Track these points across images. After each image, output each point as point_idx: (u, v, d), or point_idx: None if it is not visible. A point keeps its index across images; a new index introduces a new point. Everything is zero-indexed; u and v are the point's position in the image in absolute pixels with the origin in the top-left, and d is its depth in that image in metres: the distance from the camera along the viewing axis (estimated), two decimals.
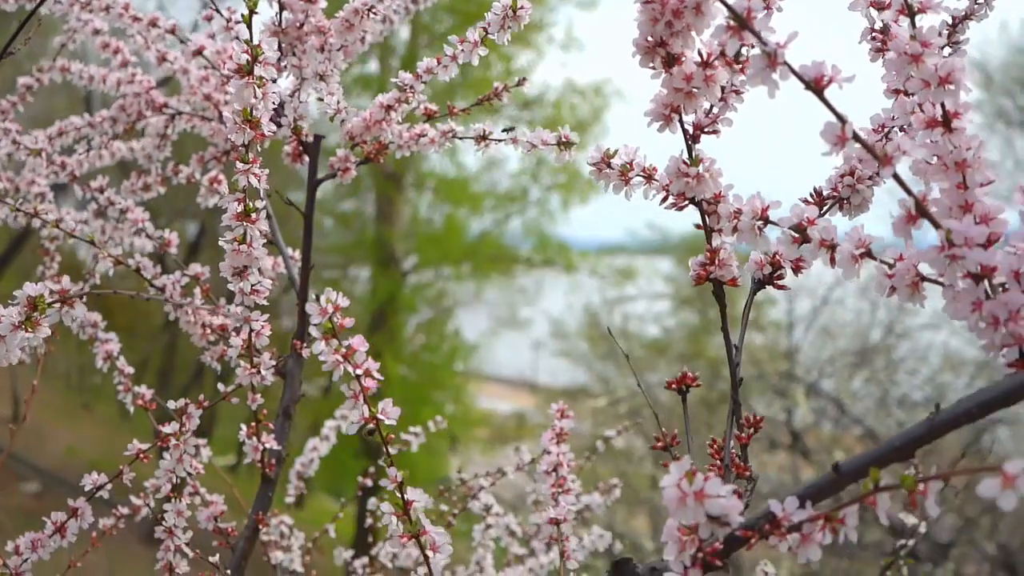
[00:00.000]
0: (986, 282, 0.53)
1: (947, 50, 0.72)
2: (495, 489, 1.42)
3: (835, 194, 0.68)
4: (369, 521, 1.40)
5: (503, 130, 0.86)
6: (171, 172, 1.20)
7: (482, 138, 0.96)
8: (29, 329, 0.67)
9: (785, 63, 0.50)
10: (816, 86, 0.51)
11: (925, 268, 0.55)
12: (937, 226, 0.51)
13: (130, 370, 1.11)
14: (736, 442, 0.63)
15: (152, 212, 1.22)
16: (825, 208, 0.69)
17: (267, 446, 0.98)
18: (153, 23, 1.09)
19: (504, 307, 12.48)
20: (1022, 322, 0.50)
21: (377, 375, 0.63)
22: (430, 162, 12.29)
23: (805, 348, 8.17)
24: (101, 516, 1.15)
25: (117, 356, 1.12)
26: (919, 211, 0.52)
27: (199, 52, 1.07)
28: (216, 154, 1.17)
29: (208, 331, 1.03)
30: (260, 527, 1.00)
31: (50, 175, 1.28)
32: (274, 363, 0.92)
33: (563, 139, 0.86)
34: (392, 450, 1.42)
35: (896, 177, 0.52)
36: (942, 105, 0.54)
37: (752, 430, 0.65)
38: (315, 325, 0.61)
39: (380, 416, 0.63)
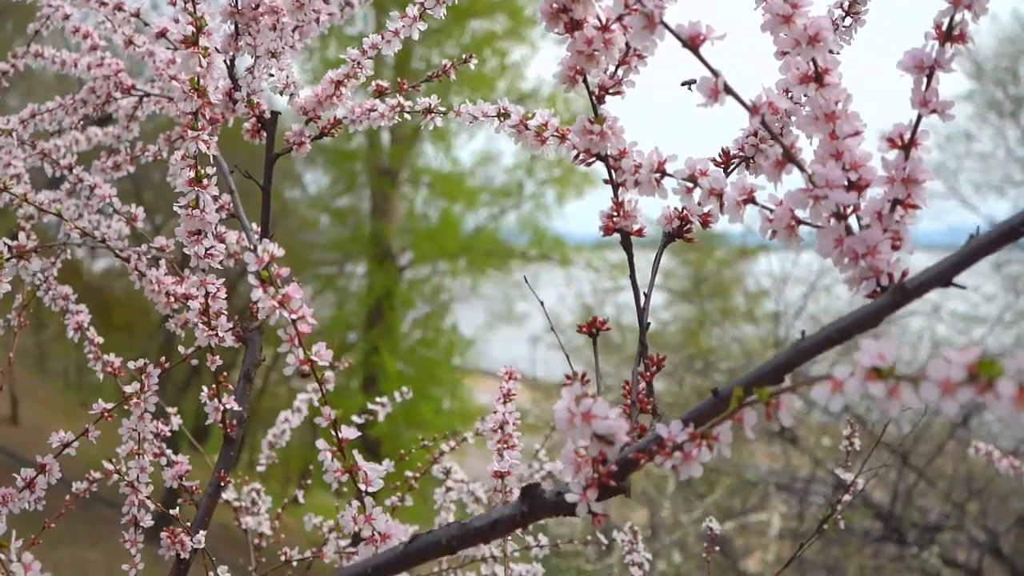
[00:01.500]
0: (855, 221, 0.58)
1: (848, 20, 0.77)
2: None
3: (741, 153, 0.73)
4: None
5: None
6: (139, 151, 1.25)
7: (428, 111, 1.02)
8: None
9: (662, 23, 0.55)
10: (692, 44, 0.56)
11: (801, 213, 0.60)
12: (803, 170, 0.57)
13: (99, 340, 1.16)
14: (642, 380, 0.69)
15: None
16: (732, 166, 0.74)
17: (228, 407, 1.03)
18: (119, 7, 1.14)
19: (500, 302, 12.55)
20: (879, 256, 0.56)
21: (312, 320, 0.68)
22: (425, 158, 12.35)
23: (797, 337, 8.22)
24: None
25: (87, 327, 1.17)
26: (787, 157, 0.57)
27: (162, 34, 1.11)
28: (183, 132, 1.21)
29: (172, 300, 1.08)
30: (223, 485, 1.05)
31: (28, 159, 1.33)
32: (231, 326, 0.97)
33: (502, 111, 0.90)
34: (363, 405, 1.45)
35: (765, 126, 0.57)
36: (813, 61, 0.59)
37: (656, 368, 0.70)
38: (252, 273, 0.66)
39: (314, 358, 0.68)
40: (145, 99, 1.25)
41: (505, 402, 1.01)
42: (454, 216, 12.27)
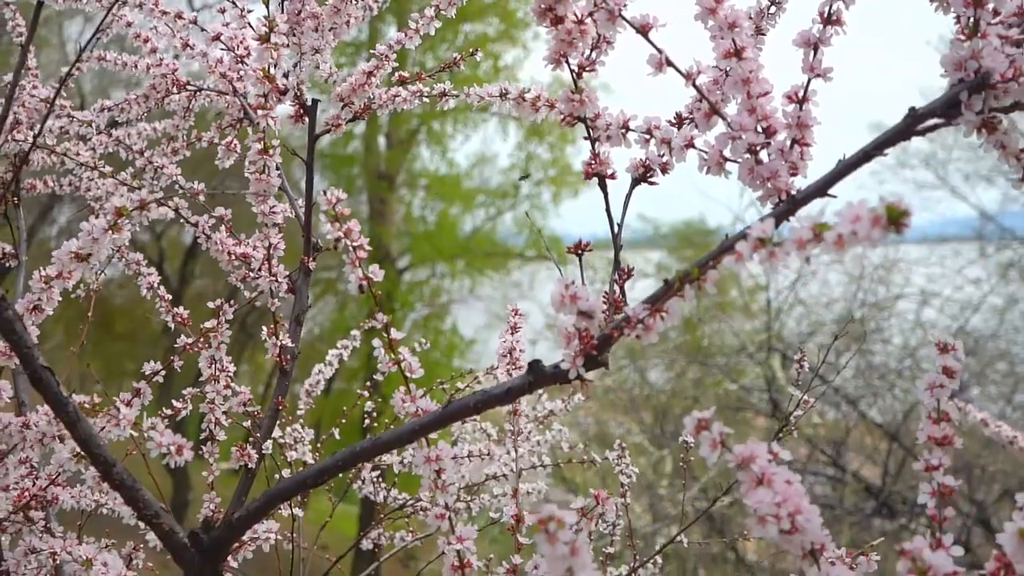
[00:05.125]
0: (765, 155, 0.80)
1: (772, 8, 0.98)
2: None
3: (690, 116, 0.95)
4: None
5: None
6: (195, 138, 1.47)
7: (442, 95, 1.23)
8: (115, 231, 0.94)
9: (621, 16, 0.77)
10: (643, 31, 0.78)
11: (727, 153, 0.82)
12: (724, 119, 0.79)
13: (169, 296, 1.37)
14: (617, 286, 0.90)
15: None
16: (684, 126, 0.95)
17: (284, 343, 1.24)
18: (179, 16, 1.36)
19: (499, 302, 12.76)
20: (779, 179, 0.78)
21: (367, 247, 0.90)
22: (422, 161, 12.56)
23: (790, 324, 8.49)
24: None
25: (157, 287, 1.39)
26: (712, 110, 0.79)
27: (217, 38, 1.33)
28: (232, 121, 1.43)
29: (232, 257, 1.30)
30: (280, 408, 1.27)
31: (91, 148, 1.55)
32: (288, 274, 1.19)
33: (503, 91, 1.12)
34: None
35: (696, 88, 0.79)
36: (733, 41, 0.81)
37: (627, 276, 0.91)
38: (324, 211, 0.88)
39: (371, 275, 0.90)
40: (198, 93, 1.47)
41: (512, 333, 1.23)
42: (451, 218, 12.48)
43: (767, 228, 0.64)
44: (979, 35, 0.70)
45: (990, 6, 0.71)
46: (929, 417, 0.74)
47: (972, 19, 0.71)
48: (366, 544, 1.71)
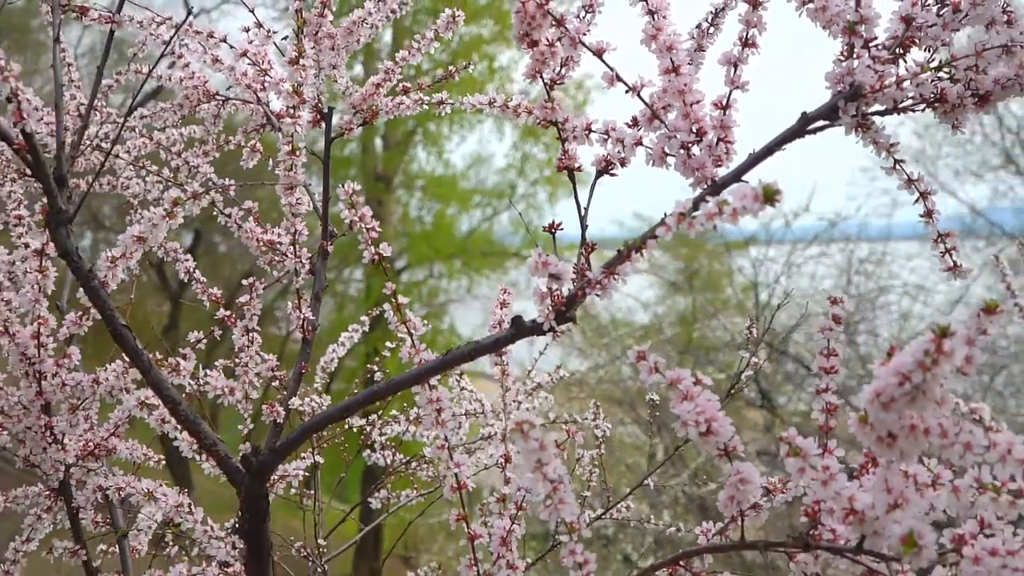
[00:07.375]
0: (696, 150, 1.01)
1: (711, 29, 1.19)
2: None
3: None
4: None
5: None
6: (224, 141, 1.68)
7: (441, 103, 1.44)
8: (171, 218, 1.15)
9: (581, 41, 0.98)
10: (598, 53, 0.99)
11: (667, 148, 1.03)
12: (662, 122, 0.99)
13: (203, 280, 1.58)
14: (583, 257, 1.11)
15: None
16: (637, 128, 1.16)
17: (306, 316, 1.45)
18: (211, 35, 1.57)
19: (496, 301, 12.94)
20: (706, 169, 0.98)
21: (377, 228, 1.11)
22: (419, 162, 12.75)
23: (781, 317, 8.73)
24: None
25: (193, 271, 1.59)
26: (653, 115, 1.00)
27: (244, 54, 1.54)
28: (255, 127, 1.64)
29: (260, 243, 1.50)
30: (303, 372, 1.47)
31: (127, 151, 1.76)
32: (310, 255, 1.39)
33: (491, 100, 1.33)
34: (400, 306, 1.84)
35: (640, 98, 1.00)
36: (671, 60, 1.01)
37: (591, 249, 1.12)
38: (341, 200, 1.09)
39: (381, 251, 1.11)
40: (226, 103, 1.68)
41: (501, 308, 1.44)
42: (448, 218, 12.67)
43: (686, 205, 0.85)
44: (854, 56, 0.91)
45: (862, 34, 0.92)
46: (821, 352, 0.95)
47: (848, 44, 0.91)
48: (374, 504, 1.92)
